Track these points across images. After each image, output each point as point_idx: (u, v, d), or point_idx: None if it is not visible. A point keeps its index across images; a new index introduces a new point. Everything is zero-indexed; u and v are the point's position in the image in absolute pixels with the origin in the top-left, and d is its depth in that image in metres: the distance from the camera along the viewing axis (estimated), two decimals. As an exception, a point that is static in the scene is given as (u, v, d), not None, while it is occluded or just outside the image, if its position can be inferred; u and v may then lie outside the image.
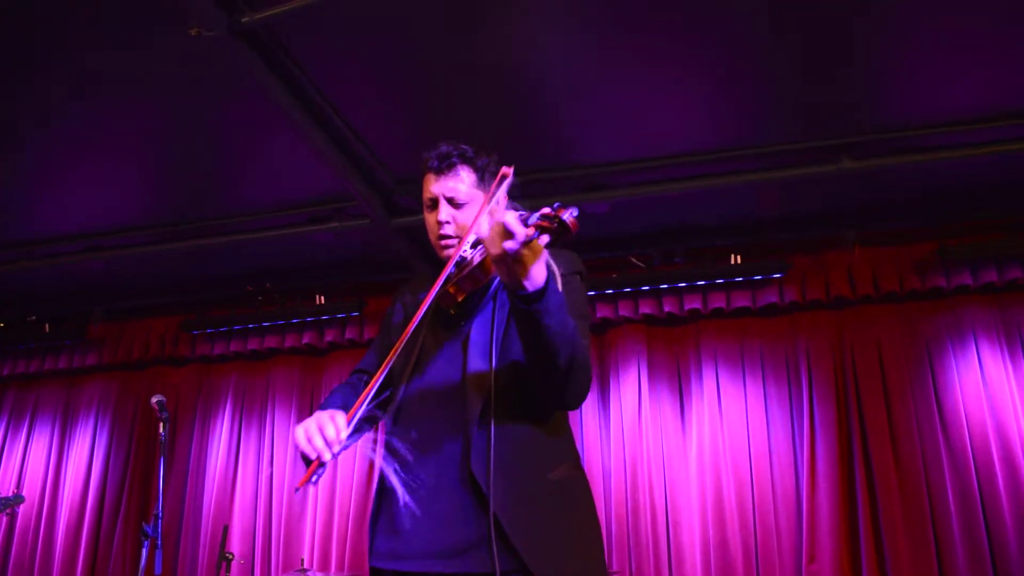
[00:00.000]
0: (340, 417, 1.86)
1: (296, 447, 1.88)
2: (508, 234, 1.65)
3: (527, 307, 1.75)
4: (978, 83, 4.41)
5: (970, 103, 4.59)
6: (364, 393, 1.92)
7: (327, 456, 1.81)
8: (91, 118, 4.62)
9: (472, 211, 2.12)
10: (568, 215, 1.64)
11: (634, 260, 6.27)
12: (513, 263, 1.69)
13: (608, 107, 4.54)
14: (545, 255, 1.73)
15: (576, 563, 1.95)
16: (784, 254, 6.02)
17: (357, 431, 1.92)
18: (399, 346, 1.94)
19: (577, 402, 1.97)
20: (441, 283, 1.95)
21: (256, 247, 5.99)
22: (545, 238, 1.67)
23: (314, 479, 1.84)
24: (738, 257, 6.07)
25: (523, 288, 1.73)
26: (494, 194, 1.95)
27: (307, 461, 1.87)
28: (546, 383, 1.89)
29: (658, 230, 6.04)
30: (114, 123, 4.67)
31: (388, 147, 4.91)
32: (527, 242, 1.65)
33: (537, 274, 1.73)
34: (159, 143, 4.93)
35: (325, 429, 1.83)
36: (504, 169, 1.96)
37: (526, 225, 1.66)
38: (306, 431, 1.85)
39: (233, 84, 4.26)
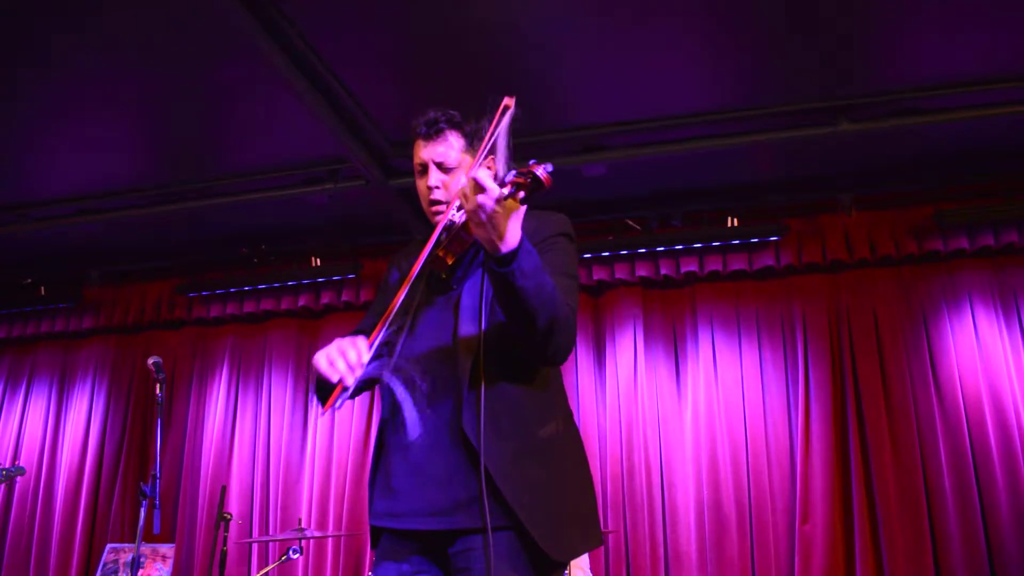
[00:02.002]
0: (361, 342, 1.87)
1: (315, 370, 1.88)
2: (481, 189, 1.66)
3: (500, 269, 1.75)
4: (977, 45, 4.38)
5: (969, 66, 4.56)
6: (383, 318, 1.92)
7: (350, 380, 1.82)
8: (83, 79, 4.57)
9: (461, 176, 2.12)
10: (542, 171, 1.64)
11: (630, 223, 6.26)
12: (488, 221, 1.69)
13: (605, 68, 4.51)
14: (520, 214, 1.73)
15: (569, 518, 1.97)
16: (781, 217, 6.02)
17: (376, 357, 1.92)
18: (395, 304, 1.94)
19: (559, 359, 1.98)
20: (431, 247, 1.95)
21: (251, 209, 5.98)
22: (520, 195, 1.67)
23: (338, 403, 1.86)
24: (735, 220, 6.07)
25: (498, 249, 1.73)
26: (495, 126, 1.93)
27: (325, 389, 1.88)
28: (527, 343, 1.90)
29: (655, 192, 6.03)
30: (107, 84, 4.63)
31: (383, 108, 4.87)
32: (501, 199, 1.65)
33: (512, 234, 1.73)
34: (152, 104, 4.89)
35: (347, 353, 1.83)
36: (505, 100, 1.94)
37: (502, 184, 1.67)
38: (328, 356, 1.85)
39: (227, 44, 4.22)
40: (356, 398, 2.18)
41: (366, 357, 1.85)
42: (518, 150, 1.92)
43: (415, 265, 1.96)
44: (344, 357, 1.83)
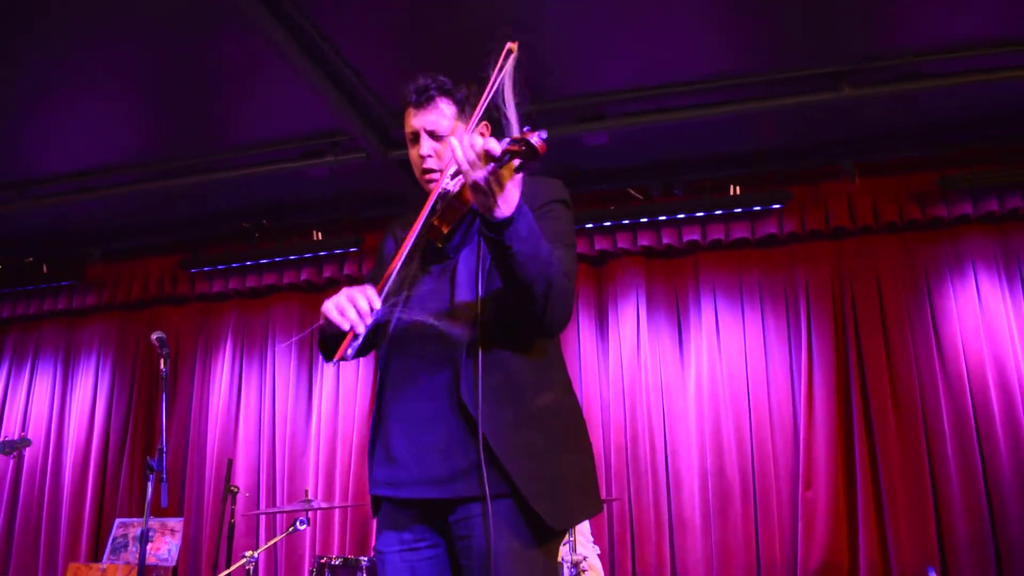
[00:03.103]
0: (370, 290, 1.86)
1: (326, 320, 1.87)
2: (483, 155, 1.65)
3: (497, 236, 1.74)
4: (980, 9, 4.35)
5: (973, 29, 4.53)
6: (390, 267, 1.91)
7: (360, 328, 1.83)
8: (82, 56, 4.56)
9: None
10: (536, 138, 1.62)
11: (632, 192, 6.24)
12: (486, 188, 1.68)
13: (606, 37, 4.48)
14: (518, 181, 1.72)
15: (568, 485, 1.97)
16: (783, 185, 5.99)
17: (386, 303, 1.91)
18: (396, 265, 1.92)
19: (556, 329, 1.97)
20: (426, 215, 1.93)
21: (252, 183, 5.97)
22: (516, 162, 1.66)
23: (349, 352, 1.86)
24: (737, 188, 6.05)
25: (494, 216, 1.72)
26: (499, 72, 1.87)
27: (331, 339, 1.88)
28: (524, 311, 1.89)
29: (657, 161, 6.01)
30: (106, 60, 4.61)
31: (382, 79, 4.85)
32: (498, 165, 1.65)
33: (509, 199, 1.72)
34: (152, 80, 4.88)
35: (357, 301, 1.83)
36: (509, 44, 1.89)
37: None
38: (337, 304, 1.85)
39: (226, 18, 4.20)
40: (361, 357, 2.17)
41: (377, 304, 1.85)
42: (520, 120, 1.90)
43: (411, 232, 1.94)
44: (355, 304, 1.83)
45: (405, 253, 1.92)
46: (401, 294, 1.97)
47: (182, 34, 4.36)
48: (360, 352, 1.99)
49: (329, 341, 1.98)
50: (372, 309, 1.84)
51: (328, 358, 1.97)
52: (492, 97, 1.87)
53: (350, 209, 6.63)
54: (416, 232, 1.94)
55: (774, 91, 4.98)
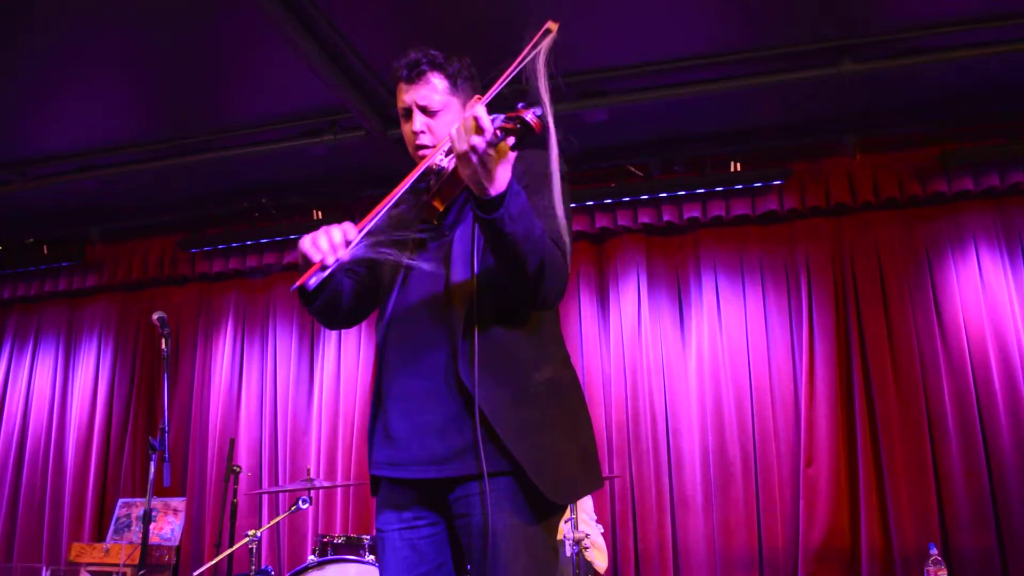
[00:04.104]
0: (349, 225, 1.87)
1: (299, 251, 1.89)
2: (478, 129, 1.63)
3: (488, 216, 1.72)
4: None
5: (973, 3, 4.49)
6: (378, 206, 1.89)
7: (330, 259, 1.84)
8: (80, 35, 4.53)
9: (446, 118, 2.07)
10: (531, 115, 1.61)
11: (632, 169, 6.22)
12: (479, 164, 1.66)
13: (605, 12, 4.44)
14: (511, 160, 1.70)
15: (568, 460, 1.97)
16: (784, 161, 5.97)
17: (369, 244, 1.90)
18: (379, 208, 1.89)
19: (551, 303, 1.96)
20: (408, 186, 1.90)
21: (251, 163, 5.94)
22: (510, 140, 1.64)
23: (312, 280, 1.87)
24: (737, 164, 6.03)
25: (486, 193, 1.70)
26: (531, 47, 1.82)
27: (309, 266, 1.89)
28: (517, 287, 1.88)
29: (656, 138, 5.98)
30: (103, 39, 4.59)
31: (382, 56, 4.81)
32: (493, 142, 1.63)
33: (501, 177, 1.70)
34: (150, 59, 4.85)
35: (331, 233, 1.85)
36: (549, 23, 1.84)
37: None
38: (311, 236, 1.87)
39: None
40: (343, 307, 2.16)
41: (352, 235, 1.86)
42: (518, 97, 1.87)
43: (391, 194, 1.91)
44: (328, 236, 1.85)
45: (397, 196, 1.90)
46: (384, 236, 1.95)
47: (181, 14, 4.33)
48: (349, 301, 2.04)
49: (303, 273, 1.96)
50: (347, 242, 1.84)
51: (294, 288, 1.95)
52: (519, 72, 1.83)
53: (350, 188, 6.61)
54: (412, 177, 1.91)
55: (774, 67, 4.95)
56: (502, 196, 1.71)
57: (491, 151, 1.65)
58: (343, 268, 2.06)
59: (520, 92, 1.74)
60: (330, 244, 1.83)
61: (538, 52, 1.81)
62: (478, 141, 1.63)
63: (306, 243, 1.86)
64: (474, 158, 1.65)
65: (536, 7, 1.88)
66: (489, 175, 1.68)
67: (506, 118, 1.63)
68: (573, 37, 4.71)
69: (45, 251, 7.47)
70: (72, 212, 7.03)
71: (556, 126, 1.75)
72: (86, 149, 5.88)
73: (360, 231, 1.87)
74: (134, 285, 7.43)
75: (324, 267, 1.84)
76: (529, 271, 1.81)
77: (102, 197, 6.64)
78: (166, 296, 7.39)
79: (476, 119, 1.63)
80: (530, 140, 1.65)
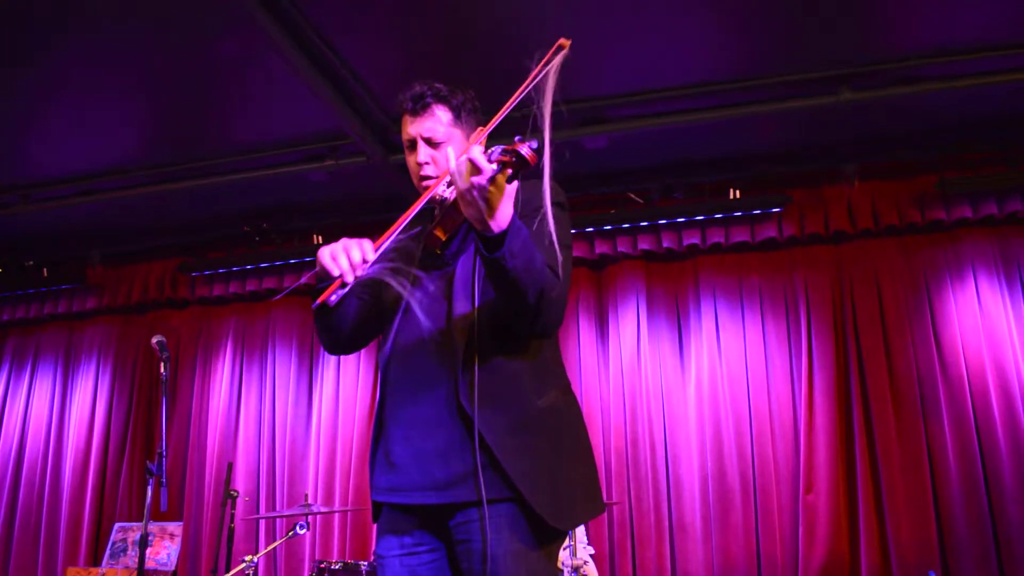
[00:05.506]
0: (367, 243, 1.90)
1: (319, 265, 1.91)
2: (475, 169, 1.66)
3: (490, 255, 1.75)
4: (979, 12, 4.34)
5: (972, 32, 4.53)
6: (390, 229, 1.91)
7: (350, 277, 1.86)
8: (81, 59, 4.56)
9: (450, 149, 2.09)
10: (526, 149, 1.63)
11: (632, 196, 6.24)
12: (480, 200, 1.69)
13: (606, 38, 4.48)
14: (512, 193, 1.73)
15: (569, 487, 1.97)
16: (783, 188, 5.99)
17: (384, 261, 1.93)
18: (392, 231, 1.91)
19: (548, 332, 2.00)
20: (412, 218, 1.92)
21: (252, 187, 5.97)
22: (508, 172, 1.67)
23: (333, 298, 1.90)
24: (737, 192, 6.05)
25: (489, 228, 1.72)
26: (544, 64, 1.85)
27: (326, 282, 1.90)
28: (517, 317, 1.91)
29: (656, 165, 6.01)
30: (104, 63, 4.61)
31: (383, 82, 4.85)
32: (492, 177, 1.65)
33: (503, 214, 1.72)
34: (151, 83, 4.88)
35: (351, 250, 1.87)
36: (561, 39, 1.88)
37: (488, 161, 1.66)
38: (332, 251, 1.89)
39: (225, 20, 4.20)
40: (350, 323, 2.18)
41: (371, 256, 1.88)
42: (518, 124, 1.88)
43: (395, 224, 1.92)
44: (348, 254, 1.87)
45: (408, 220, 1.92)
46: (395, 260, 1.96)
47: (184, 38, 4.36)
48: (352, 323, 2.05)
49: (321, 290, 1.98)
50: (364, 261, 1.87)
51: (315, 305, 1.97)
52: (530, 90, 1.85)
53: (351, 214, 6.63)
54: (418, 207, 1.93)
55: (774, 95, 4.98)
56: (504, 233, 1.74)
57: (491, 187, 1.67)
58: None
59: (528, 117, 1.75)
60: (350, 262, 1.86)
61: (550, 69, 1.84)
62: (477, 180, 1.66)
63: (325, 257, 1.89)
64: (475, 193, 1.68)
65: (537, 36, 1.90)
66: (491, 211, 1.70)
67: (503, 151, 1.66)
68: (574, 64, 4.73)
69: (45, 273, 7.47)
70: (72, 235, 7.05)
71: (556, 152, 1.77)
72: (88, 173, 5.91)
73: (376, 250, 1.90)
74: (134, 308, 7.44)
75: (344, 284, 1.87)
76: (529, 302, 1.84)
77: (102, 220, 6.66)
78: (166, 319, 7.39)
79: (472, 161, 1.66)
80: (528, 172, 1.68)
